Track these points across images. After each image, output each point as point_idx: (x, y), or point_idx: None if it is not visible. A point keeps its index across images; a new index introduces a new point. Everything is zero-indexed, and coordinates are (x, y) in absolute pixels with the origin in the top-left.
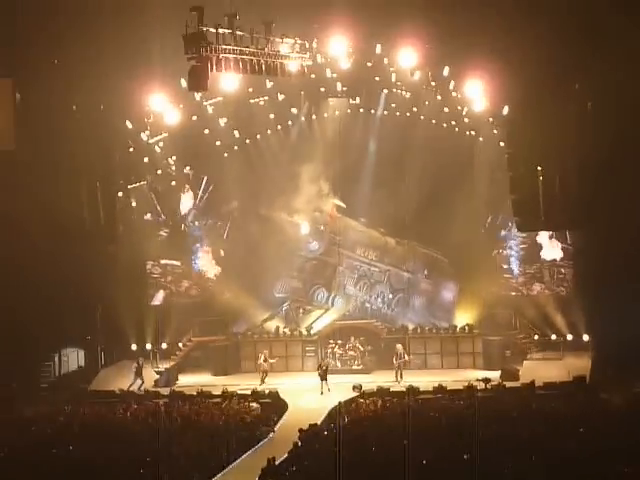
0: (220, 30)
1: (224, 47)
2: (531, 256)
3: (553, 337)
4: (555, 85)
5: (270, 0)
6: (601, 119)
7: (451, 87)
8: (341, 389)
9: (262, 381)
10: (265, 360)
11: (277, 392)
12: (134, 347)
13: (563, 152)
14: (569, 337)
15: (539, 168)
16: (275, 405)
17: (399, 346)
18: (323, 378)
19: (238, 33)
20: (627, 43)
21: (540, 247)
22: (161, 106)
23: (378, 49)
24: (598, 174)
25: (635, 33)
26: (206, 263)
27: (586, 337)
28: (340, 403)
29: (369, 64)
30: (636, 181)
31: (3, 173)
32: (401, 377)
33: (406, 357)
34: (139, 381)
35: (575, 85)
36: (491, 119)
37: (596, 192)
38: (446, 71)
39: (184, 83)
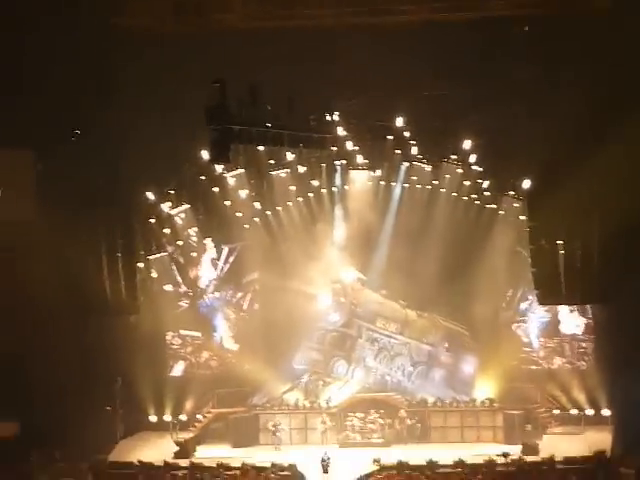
0: (242, 102)
1: (246, 119)
2: (552, 330)
3: (574, 411)
4: (577, 158)
5: (292, 75)
6: (625, 192)
7: (472, 160)
8: (361, 463)
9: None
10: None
11: (296, 465)
12: (153, 418)
13: (585, 225)
14: (590, 411)
15: (560, 242)
16: (294, 478)
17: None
18: (325, 471)
19: (260, 106)
20: None
21: (561, 321)
22: (182, 177)
23: (399, 122)
24: (620, 248)
25: None
26: (226, 334)
27: (607, 411)
28: (361, 477)
29: (390, 137)
30: None
31: (23, 244)
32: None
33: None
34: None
35: (598, 158)
36: (512, 192)
37: (618, 266)
38: (467, 144)
39: (206, 155)
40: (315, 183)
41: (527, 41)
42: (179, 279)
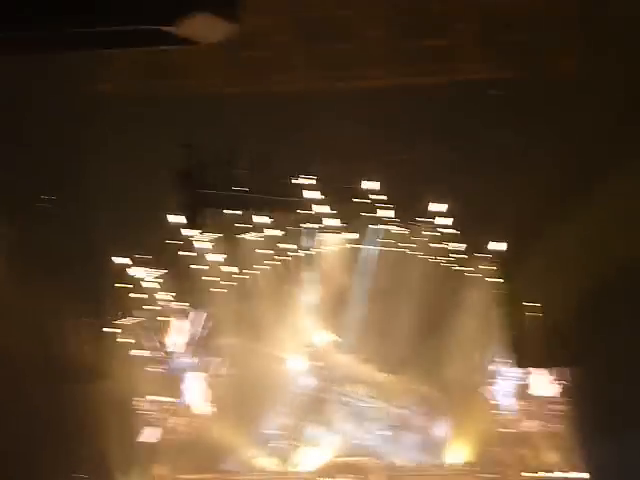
0: (212, 166)
1: (215, 183)
2: (525, 392)
3: (550, 475)
4: (547, 221)
5: (262, 138)
6: (598, 254)
7: (444, 222)
8: None
9: None
10: None
11: None
12: None
13: (558, 287)
14: (566, 475)
15: (532, 304)
16: None
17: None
18: None
19: (230, 169)
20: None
21: (534, 383)
22: (152, 241)
23: (370, 185)
24: (595, 310)
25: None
26: (197, 399)
27: (582, 475)
28: None
29: (361, 200)
30: (635, 319)
31: None
32: None
33: None
34: None
35: (568, 221)
36: (484, 254)
37: (592, 328)
38: (439, 207)
39: (176, 219)
40: (286, 246)
41: (498, 104)
42: (149, 344)
